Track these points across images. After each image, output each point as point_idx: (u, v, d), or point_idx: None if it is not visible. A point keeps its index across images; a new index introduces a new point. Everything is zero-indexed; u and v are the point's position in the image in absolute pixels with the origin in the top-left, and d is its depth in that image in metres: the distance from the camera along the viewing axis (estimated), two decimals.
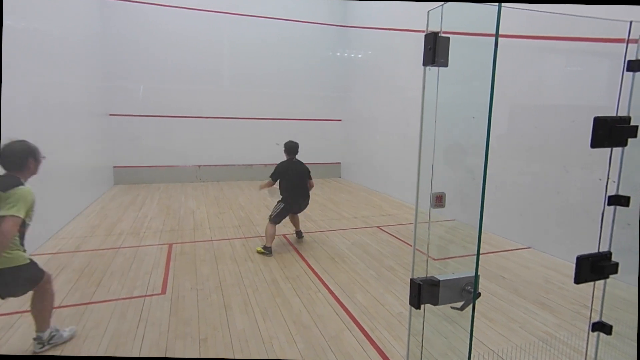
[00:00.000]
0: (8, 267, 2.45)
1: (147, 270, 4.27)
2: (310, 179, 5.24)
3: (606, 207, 1.69)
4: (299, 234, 5.46)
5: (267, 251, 4.80)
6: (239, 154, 10.70)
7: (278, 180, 5.08)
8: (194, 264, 4.49)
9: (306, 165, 5.21)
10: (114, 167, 9.75)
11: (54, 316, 2.85)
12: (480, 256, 1.35)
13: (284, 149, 5.19)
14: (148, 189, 9.30)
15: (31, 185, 2.44)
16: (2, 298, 2.66)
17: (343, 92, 11.40)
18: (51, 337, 2.74)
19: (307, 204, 5.30)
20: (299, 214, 5.42)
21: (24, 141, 2.59)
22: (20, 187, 2.45)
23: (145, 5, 9.53)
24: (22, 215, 2.38)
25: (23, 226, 2.47)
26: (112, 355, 2.74)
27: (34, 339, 2.73)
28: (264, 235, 4.96)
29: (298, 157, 5.23)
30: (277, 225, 5.04)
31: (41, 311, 2.72)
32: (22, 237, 2.54)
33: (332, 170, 11.63)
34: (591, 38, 4.20)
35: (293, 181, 5.07)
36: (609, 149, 1.63)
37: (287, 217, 5.24)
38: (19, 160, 2.52)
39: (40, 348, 2.72)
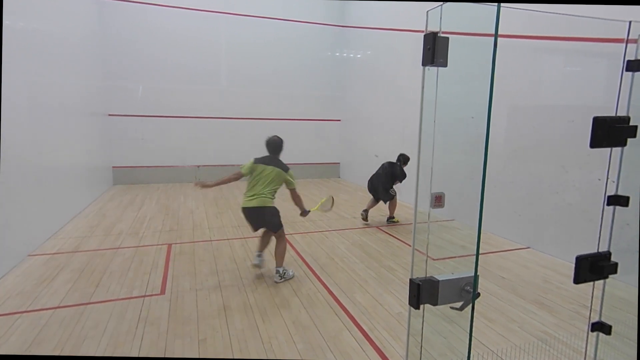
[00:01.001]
0: (271, 206, 3.94)
1: (146, 271, 4.27)
2: (398, 182, 6.28)
3: (605, 207, 1.69)
4: (389, 220, 6.54)
5: (364, 213, 6.35)
6: (238, 154, 10.62)
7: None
8: (193, 264, 4.49)
9: (399, 171, 6.27)
10: (113, 167, 9.74)
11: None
12: (479, 256, 1.35)
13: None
14: (147, 189, 9.30)
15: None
16: (255, 230, 4.08)
17: (342, 92, 11.40)
18: (284, 273, 4.00)
19: (383, 197, 6.36)
20: (393, 203, 6.47)
21: (277, 135, 4.08)
22: (291, 169, 4.02)
23: (144, 5, 9.52)
24: (296, 187, 4.06)
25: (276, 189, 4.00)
26: (111, 355, 2.74)
27: (276, 273, 3.99)
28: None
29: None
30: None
31: (279, 252, 4.00)
32: (274, 194, 3.99)
33: (331, 171, 11.63)
34: (590, 38, 4.20)
35: (378, 174, 6.42)
36: (609, 149, 1.63)
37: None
38: (279, 147, 4.04)
39: (280, 279, 3.96)
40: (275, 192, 3.98)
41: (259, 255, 4.15)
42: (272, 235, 4.15)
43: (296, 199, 4.08)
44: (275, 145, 4.00)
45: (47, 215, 5.46)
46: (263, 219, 3.96)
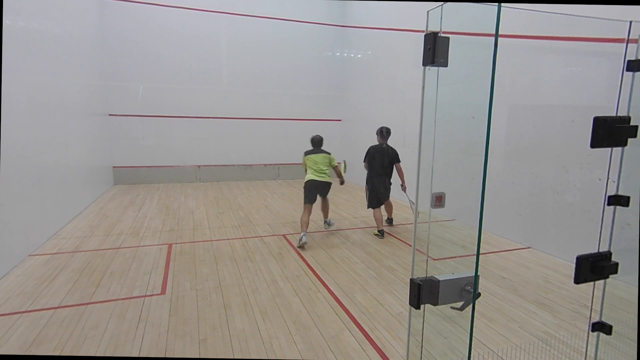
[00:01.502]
0: (328, 182, 5.65)
1: (147, 271, 4.27)
2: (399, 161, 5.90)
3: (606, 207, 1.69)
4: (389, 221, 6.27)
5: (380, 234, 5.65)
6: (238, 154, 10.70)
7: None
8: (193, 264, 4.49)
9: (396, 154, 5.89)
10: (114, 167, 9.75)
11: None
12: (480, 256, 1.35)
13: (376, 132, 5.99)
14: (147, 189, 9.30)
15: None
16: (312, 201, 5.58)
17: (342, 92, 11.39)
18: (331, 223, 6.00)
19: (386, 191, 5.93)
20: (389, 203, 6.12)
21: (318, 134, 5.80)
22: (331, 153, 5.77)
23: (144, 4, 9.52)
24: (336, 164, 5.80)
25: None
26: (111, 355, 2.74)
27: (325, 222, 6.01)
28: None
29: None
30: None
31: (326, 208, 5.91)
32: (328, 172, 5.70)
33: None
34: (591, 38, 4.20)
35: (378, 163, 5.87)
36: (609, 149, 1.63)
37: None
38: (321, 142, 5.73)
39: (327, 227, 6.00)
40: (328, 169, 5.67)
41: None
42: (322, 200, 5.84)
43: (337, 172, 5.83)
44: (318, 140, 5.72)
45: (47, 215, 5.46)
46: (323, 190, 5.66)
